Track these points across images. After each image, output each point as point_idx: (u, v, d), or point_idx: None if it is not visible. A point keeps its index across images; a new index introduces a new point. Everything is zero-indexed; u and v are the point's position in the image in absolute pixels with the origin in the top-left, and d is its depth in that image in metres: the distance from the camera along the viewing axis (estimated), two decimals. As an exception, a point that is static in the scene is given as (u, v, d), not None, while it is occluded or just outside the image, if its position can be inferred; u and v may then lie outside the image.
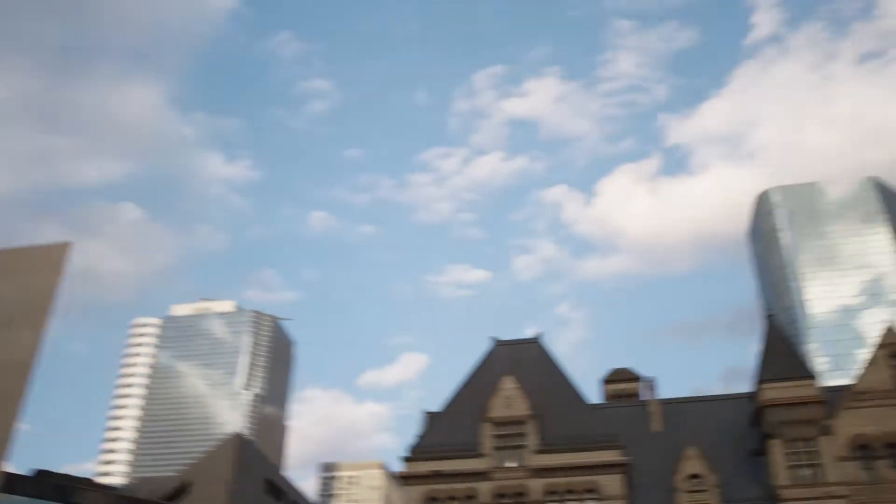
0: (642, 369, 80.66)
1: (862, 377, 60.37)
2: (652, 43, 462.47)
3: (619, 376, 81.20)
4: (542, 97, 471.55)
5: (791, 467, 56.82)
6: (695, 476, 57.90)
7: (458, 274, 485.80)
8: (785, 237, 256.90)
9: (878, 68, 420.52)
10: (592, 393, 76.67)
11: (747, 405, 63.54)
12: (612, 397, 78.49)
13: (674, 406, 68.73)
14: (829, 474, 56.05)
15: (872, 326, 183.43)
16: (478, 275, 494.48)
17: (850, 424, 57.87)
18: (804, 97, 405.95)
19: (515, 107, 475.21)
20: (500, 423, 60.44)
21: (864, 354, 66.12)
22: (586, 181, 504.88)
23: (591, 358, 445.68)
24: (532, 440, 59.49)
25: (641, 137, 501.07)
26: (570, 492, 57.08)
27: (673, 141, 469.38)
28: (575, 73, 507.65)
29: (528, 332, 71.21)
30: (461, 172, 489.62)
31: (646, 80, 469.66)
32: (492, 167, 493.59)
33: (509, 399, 61.17)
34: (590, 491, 56.89)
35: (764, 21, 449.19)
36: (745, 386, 68.69)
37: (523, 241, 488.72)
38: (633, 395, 78.05)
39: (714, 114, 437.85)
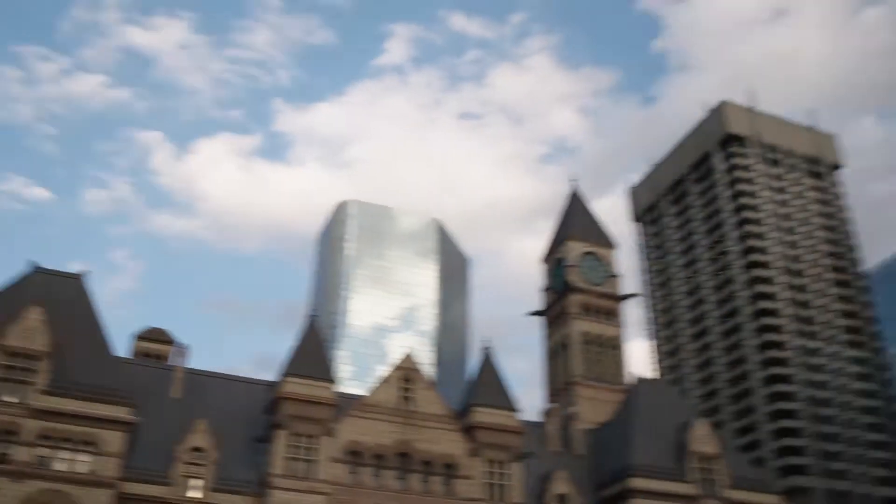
0: (180, 335, 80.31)
1: (374, 391, 66.21)
2: (292, 29, 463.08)
3: (153, 336, 79.97)
4: (168, 38, 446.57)
5: (289, 459, 60.19)
6: (198, 449, 58.82)
7: (19, 186, 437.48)
8: (349, 248, 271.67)
9: (473, 128, 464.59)
10: (123, 346, 74.63)
11: (267, 393, 66.12)
12: (140, 355, 76.99)
13: (198, 377, 69.25)
14: (321, 472, 60.40)
15: (397, 349, 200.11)
16: (40, 193, 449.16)
17: (351, 431, 63.03)
18: (405, 131, 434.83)
19: (138, 37, 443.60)
20: (11, 354, 55.95)
21: (382, 372, 72.33)
22: (184, 137, 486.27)
23: (132, 311, 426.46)
24: (42, 379, 55.92)
25: (251, 114, 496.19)
26: (67, 440, 54.52)
27: (279, 128, 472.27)
28: (208, 28, 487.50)
29: (73, 268, 67.14)
30: (57, 82, 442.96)
31: (273, 62, 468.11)
32: (92, 88, 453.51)
33: (30, 331, 56.94)
34: (88, 443, 54.86)
35: (394, 50, 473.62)
36: (271, 375, 71.41)
37: (100, 175, 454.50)
38: (163, 357, 77.32)
39: (324, 116, 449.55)
